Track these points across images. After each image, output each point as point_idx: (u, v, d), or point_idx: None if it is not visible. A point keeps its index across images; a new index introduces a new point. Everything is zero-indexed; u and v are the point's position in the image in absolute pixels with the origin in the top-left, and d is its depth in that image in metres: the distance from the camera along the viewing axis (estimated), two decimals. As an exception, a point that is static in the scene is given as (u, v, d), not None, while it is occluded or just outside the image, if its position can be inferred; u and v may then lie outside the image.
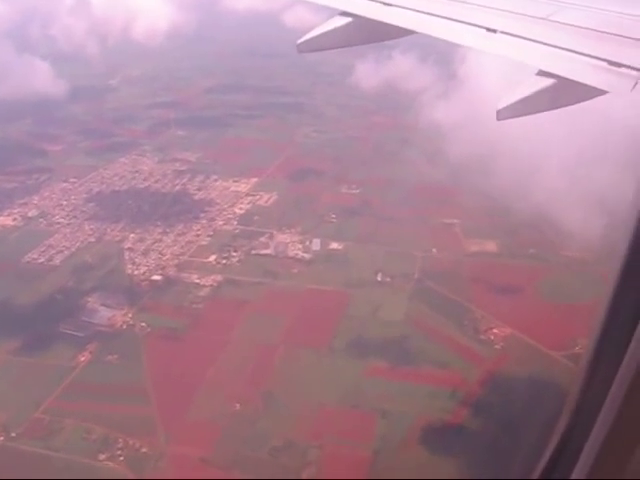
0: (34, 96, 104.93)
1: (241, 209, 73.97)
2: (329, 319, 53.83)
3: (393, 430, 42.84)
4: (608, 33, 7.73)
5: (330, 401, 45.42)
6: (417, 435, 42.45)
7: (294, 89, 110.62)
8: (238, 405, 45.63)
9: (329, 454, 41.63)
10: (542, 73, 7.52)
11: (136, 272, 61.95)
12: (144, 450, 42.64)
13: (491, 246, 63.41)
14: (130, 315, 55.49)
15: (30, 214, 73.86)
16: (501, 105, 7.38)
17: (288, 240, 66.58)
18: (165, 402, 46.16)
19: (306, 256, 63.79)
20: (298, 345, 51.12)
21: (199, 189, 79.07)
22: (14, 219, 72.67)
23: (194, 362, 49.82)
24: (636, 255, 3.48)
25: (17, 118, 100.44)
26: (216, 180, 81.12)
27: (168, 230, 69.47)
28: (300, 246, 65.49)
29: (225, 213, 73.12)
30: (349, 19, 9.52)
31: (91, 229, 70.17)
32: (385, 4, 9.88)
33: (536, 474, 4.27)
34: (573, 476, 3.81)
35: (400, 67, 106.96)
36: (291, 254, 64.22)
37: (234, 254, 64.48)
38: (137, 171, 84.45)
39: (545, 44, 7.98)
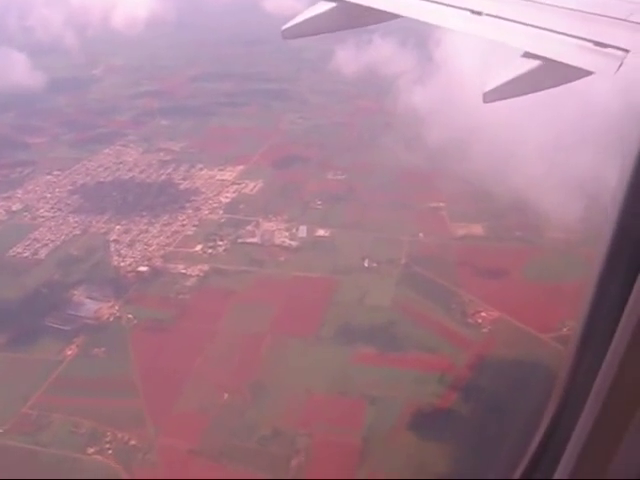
0: (15, 89, 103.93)
1: (227, 198, 73.57)
2: (316, 307, 53.65)
3: (382, 416, 42.72)
4: (593, 14, 7.73)
5: (318, 389, 45.28)
6: (406, 421, 42.35)
7: (278, 76, 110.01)
8: (226, 395, 45.45)
9: (318, 442, 41.52)
10: (528, 55, 7.46)
11: (122, 264, 61.58)
12: (133, 443, 42.43)
13: (477, 229, 63.30)
14: (117, 307, 55.17)
15: (14, 208, 73.34)
16: (487, 88, 7.33)
17: (274, 228, 66.27)
18: (153, 394, 45.94)
19: (293, 243, 63.53)
20: (285, 334, 50.93)
21: (184, 179, 78.60)
22: (-2, 213, 72.14)
23: (182, 353, 49.61)
24: (622, 236, 3.47)
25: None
26: (201, 169, 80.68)
27: (154, 221, 69.05)
28: (286, 234, 65.21)
29: (211, 202, 72.72)
30: (333, 4, 9.44)
31: (76, 222, 69.68)
32: None
33: (517, 474, 4.25)
34: (556, 476, 3.79)
35: (384, 51, 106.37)
36: (277, 242, 63.93)
37: (220, 243, 64.18)
38: (121, 162, 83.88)
39: (531, 26, 7.94)
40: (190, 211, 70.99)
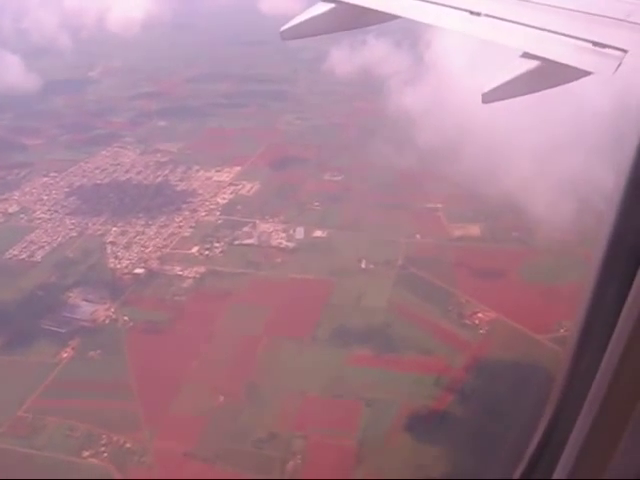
0: (12, 91, 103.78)
1: (224, 199, 73.45)
2: (312, 308, 53.52)
3: (378, 419, 42.65)
4: (592, 14, 7.69)
5: (314, 391, 45.20)
6: (402, 423, 42.27)
7: (276, 77, 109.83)
8: (222, 397, 45.35)
9: (314, 444, 41.43)
10: (527, 55, 7.42)
11: (118, 266, 61.49)
12: (128, 446, 42.33)
13: (474, 230, 63.21)
14: (112, 309, 55.06)
15: (10, 210, 73.24)
16: (486, 88, 7.29)
17: (271, 229, 66.17)
18: (149, 397, 45.79)
19: (289, 245, 63.43)
20: (281, 335, 50.84)
21: (181, 180, 78.51)
22: (-6, 216, 72.07)
23: (177, 355, 49.49)
24: (620, 238, 3.44)
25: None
26: (198, 170, 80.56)
27: (150, 222, 68.94)
28: (283, 235, 65.10)
29: (207, 203, 72.60)
30: (331, 5, 9.32)
31: (72, 223, 69.56)
32: None
33: (517, 474, 4.24)
34: (555, 476, 3.79)
35: (381, 52, 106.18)
36: (274, 243, 63.84)
37: (217, 245, 64.07)
38: (118, 163, 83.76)
39: (529, 26, 7.91)
40: (187, 212, 70.86)
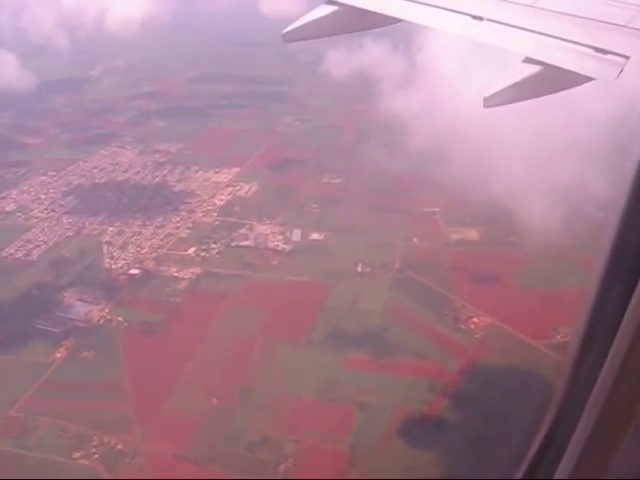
0: (12, 89, 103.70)
1: (221, 200, 73.26)
2: (308, 311, 53.31)
3: (371, 423, 42.42)
4: (594, 20, 7.77)
5: (308, 394, 44.99)
6: (396, 428, 42.07)
7: (276, 78, 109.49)
8: (215, 400, 45.18)
9: (306, 448, 41.22)
10: (528, 60, 7.48)
11: (114, 266, 61.30)
12: (119, 447, 42.14)
13: (472, 234, 63.00)
14: (107, 310, 54.88)
15: (8, 208, 73.09)
16: (487, 93, 7.33)
17: (268, 231, 65.97)
18: (142, 398, 45.60)
19: (286, 247, 63.23)
20: (276, 338, 50.61)
21: (179, 180, 78.30)
22: (-9, 214, 71.97)
23: (171, 357, 49.28)
24: (623, 244, 3.50)
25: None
26: (197, 171, 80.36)
27: (147, 223, 68.74)
28: (280, 237, 64.91)
29: (205, 204, 72.42)
30: (334, 7, 9.43)
31: (69, 223, 69.40)
32: None
33: (519, 474, 4.27)
34: (556, 476, 3.82)
35: (382, 55, 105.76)
36: (271, 245, 63.64)
37: (213, 246, 63.87)
38: (117, 163, 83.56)
39: (531, 31, 7.98)
40: (184, 213, 70.67)
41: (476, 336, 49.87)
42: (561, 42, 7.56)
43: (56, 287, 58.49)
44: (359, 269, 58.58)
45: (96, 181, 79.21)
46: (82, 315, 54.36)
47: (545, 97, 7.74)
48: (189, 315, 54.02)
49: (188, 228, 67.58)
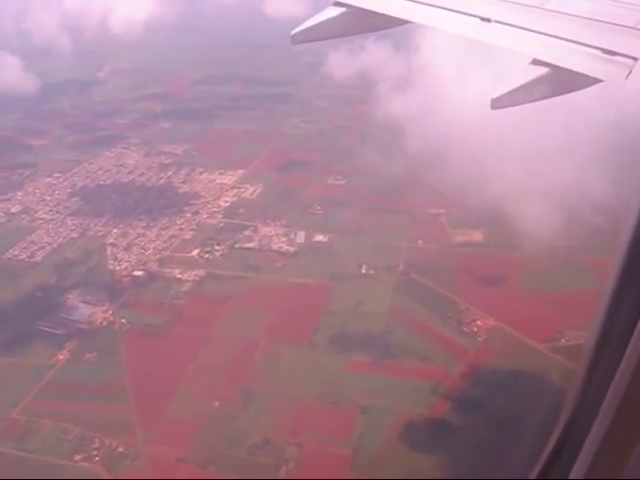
0: (19, 91, 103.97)
1: (226, 202, 73.15)
2: (311, 313, 53.11)
3: (373, 427, 42.21)
4: (602, 21, 7.74)
5: (310, 398, 44.79)
6: (398, 431, 41.84)
7: (281, 79, 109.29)
8: (217, 402, 45.05)
9: (308, 452, 41.05)
10: (536, 62, 7.43)
11: (118, 268, 61.26)
12: (120, 450, 42.07)
13: (477, 236, 62.68)
14: (110, 312, 54.81)
15: (13, 210, 73.17)
16: (495, 94, 7.28)
17: (272, 233, 65.81)
18: (144, 401, 45.53)
19: (290, 249, 63.05)
20: (279, 341, 50.42)
21: (184, 182, 78.27)
22: (-3, 215, 72.12)
23: (174, 359, 49.19)
24: (638, 246, 3.51)
25: (3, 113, 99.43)
26: (202, 173, 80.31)
27: (151, 224, 68.70)
28: (284, 239, 64.74)
29: (210, 206, 72.33)
30: (342, 9, 9.43)
31: (74, 224, 69.41)
32: None
33: (534, 474, 4.27)
34: (571, 476, 3.82)
35: (388, 56, 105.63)
36: (275, 247, 63.46)
37: (217, 248, 63.74)
38: (122, 165, 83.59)
39: (539, 33, 7.95)
40: (188, 215, 70.59)
41: (479, 339, 49.59)
42: (569, 44, 7.56)
43: (60, 289, 58.49)
44: (363, 271, 58.36)
45: (101, 183, 79.27)
46: (85, 317, 54.34)
47: (553, 99, 7.68)
48: (192, 317, 53.89)
49: (192, 230, 67.48)
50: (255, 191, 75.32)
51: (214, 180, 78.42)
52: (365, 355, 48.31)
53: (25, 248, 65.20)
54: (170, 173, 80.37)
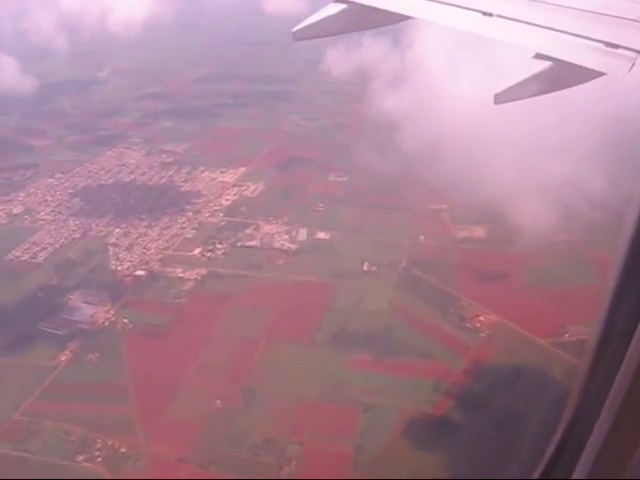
0: (19, 91, 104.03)
1: (227, 200, 73.04)
2: (313, 311, 53.00)
3: (375, 424, 42.06)
4: (605, 14, 7.78)
5: (311, 396, 44.65)
6: (400, 429, 41.70)
7: (282, 77, 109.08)
8: (219, 402, 44.95)
9: (309, 450, 40.93)
10: (539, 56, 7.50)
11: (120, 268, 61.20)
12: (123, 450, 42.02)
13: (479, 232, 62.41)
14: (112, 312, 54.75)
15: (15, 211, 73.21)
16: (498, 89, 7.34)
17: (274, 231, 65.68)
18: (145, 401, 45.49)
19: (292, 247, 62.91)
20: (281, 339, 50.31)
21: (185, 181, 78.18)
22: (-2, 217, 72.18)
23: (176, 359, 49.14)
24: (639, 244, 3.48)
25: (3, 113, 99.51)
26: (203, 171, 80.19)
27: (153, 224, 68.64)
28: (286, 237, 64.59)
29: (211, 205, 72.23)
30: (344, 6, 9.50)
31: (76, 225, 69.39)
32: None
33: (536, 474, 4.26)
34: (574, 476, 3.82)
35: (390, 52, 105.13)
36: (277, 245, 63.33)
37: (219, 246, 63.64)
38: (123, 164, 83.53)
39: (542, 27, 8.00)
40: (190, 214, 70.51)
41: (482, 335, 49.40)
42: (571, 37, 7.61)
43: (61, 289, 58.50)
44: (365, 268, 58.18)
45: (103, 182, 79.23)
46: (87, 317, 54.29)
47: (555, 93, 7.74)
48: (194, 316, 53.82)
49: (194, 229, 67.41)
50: (256, 189, 75.20)
51: (215, 178, 78.32)
52: (367, 353, 48.13)
53: (27, 249, 65.22)
54: (171, 172, 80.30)
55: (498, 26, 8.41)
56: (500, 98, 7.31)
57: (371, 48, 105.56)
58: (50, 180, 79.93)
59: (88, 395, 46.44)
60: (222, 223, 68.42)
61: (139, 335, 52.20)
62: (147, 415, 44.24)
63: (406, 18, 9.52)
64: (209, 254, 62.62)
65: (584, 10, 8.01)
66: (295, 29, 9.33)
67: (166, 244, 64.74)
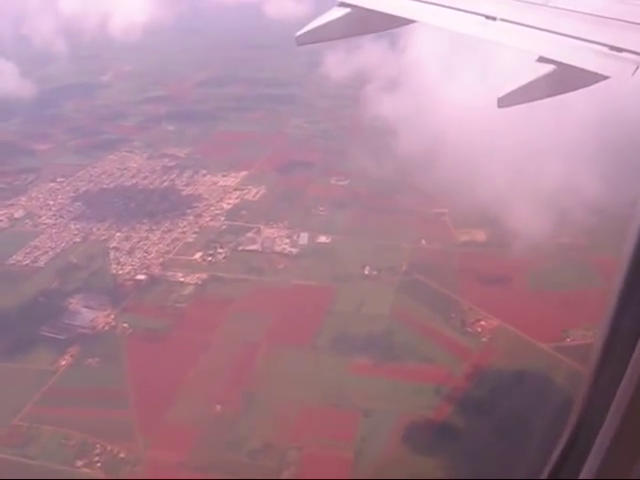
0: (22, 96, 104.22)
1: (229, 204, 73.01)
2: (314, 315, 52.84)
3: (375, 429, 41.88)
4: (608, 18, 7.72)
5: (312, 401, 44.51)
6: (400, 434, 41.49)
7: (284, 80, 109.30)
8: (218, 407, 44.82)
9: (309, 455, 40.77)
10: (542, 59, 7.50)
11: (120, 272, 61.16)
12: (122, 455, 41.89)
13: (480, 235, 62.23)
14: (112, 316, 54.69)
15: (16, 215, 73.29)
16: (501, 93, 7.30)
17: (275, 235, 65.57)
18: (145, 405, 45.37)
19: (293, 251, 62.78)
20: (281, 343, 50.18)
21: (187, 185, 78.18)
22: (0, 221, 71.95)
23: (176, 363, 48.99)
24: None
25: (6, 118, 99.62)
26: (205, 175, 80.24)
27: (154, 228, 68.60)
28: (287, 241, 64.47)
29: (212, 209, 72.19)
30: (347, 10, 9.46)
31: (77, 229, 69.42)
32: None
33: (544, 474, 4.26)
34: (582, 476, 3.80)
35: (392, 55, 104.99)
36: (278, 249, 63.20)
37: (220, 251, 63.56)
38: (125, 168, 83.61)
39: (545, 30, 7.99)
40: (191, 218, 70.45)
41: (483, 339, 49.20)
42: (575, 41, 7.55)
43: (62, 294, 58.43)
44: (366, 272, 58.03)
45: (104, 186, 79.30)
46: (87, 322, 54.25)
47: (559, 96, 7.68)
48: (194, 321, 53.71)
49: (195, 233, 67.35)
50: (258, 193, 75.13)
51: (217, 182, 78.30)
52: (367, 357, 48.00)
53: (28, 253, 65.20)
54: (173, 176, 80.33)
55: (501, 30, 8.41)
56: (503, 102, 7.30)
57: (373, 51, 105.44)
58: (52, 184, 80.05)
59: (87, 400, 46.36)
60: (223, 227, 68.38)
61: (139, 339, 52.09)
62: (146, 420, 44.10)
63: (410, 22, 9.50)
64: (210, 258, 62.55)
65: (588, 13, 7.96)
66: (298, 33, 9.28)
67: (167, 248, 64.68)
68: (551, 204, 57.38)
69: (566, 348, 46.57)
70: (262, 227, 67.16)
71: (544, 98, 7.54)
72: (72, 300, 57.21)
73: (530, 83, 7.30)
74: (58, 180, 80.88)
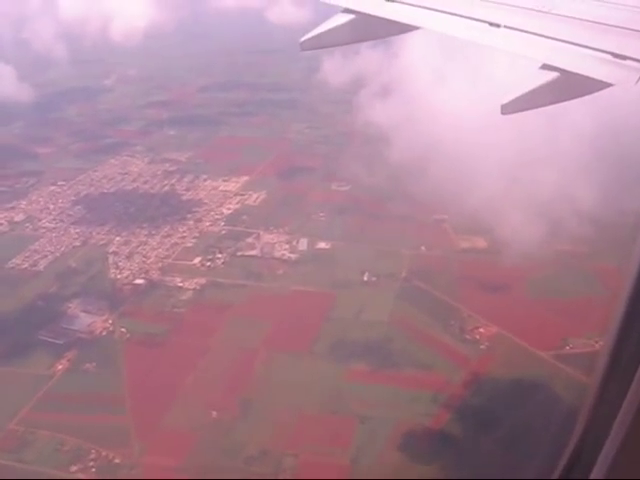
0: (25, 99, 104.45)
1: (229, 209, 72.88)
2: (312, 322, 52.62)
3: (372, 437, 41.61)
4: (612, 25, 7.77)
5: (309, 407, 44.25)
6: (397, 442, 41.22)
7: (287, 85, 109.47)
8: (215, 413, 44.55)
9: (305, 462, 40.50)
10: (546, 67, 7.57)
11: (119, 276, 60.98)
12: (117, 461, 41.65)
13: (481, 242, 61.94)
14: (110, 321, 54.48)
15: (17, 219, 73.23)
16: (505, 100, 7.36)
17: (275, 240, 65.38)
18: (141, 411, 45.14)
19: (292, 256, 62.59)
20: (279, 350, 49.95)
21: (188, 189, 78.12)
22: (0, 224, 71.90)
23: (173, 369, 48.83)
24: None
25: (8, 121, 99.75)
26: (205, 180, 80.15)
27: (154, 232, 68.46)
28: (287, 246, 64.29)
29: (212, 214, 72.06)
30: (352, 16, 9.56)
31: (77, 233, 69.30)
32: (387, 0, 10.03)
33: (556, 474, 4.28)
34: (592, 476, 3.82)
35: (395, 62, 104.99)
36: (277, 255, 63.02)
37: (219, 256, 63.37)
38: (126, 172, 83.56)
39: (549, 37, 8.07)
40: (191, 222, 70.33)
41: (482, 347, 48.92)
42: (579, 48, 7.57)
43: (61, 298, 58.26)
44: (365, 279, 57.82)
45: (105, 191, 79.24)
46: (85, 326, 54.04)
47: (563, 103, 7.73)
48: (192, 326, 53.51)
49: (194, 237, 67.20)
50: (258, 198, 75.01)
51: (218, 187, 78.20)
52: (365, 364, 47.77)
53: (28, 257, 65.10)
54: (174, 180, 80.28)
55: (505, 37, 8.45)
56: (507, 108, 7.35)
57: (376, 58, 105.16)
58: (53, 188, 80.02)
59: (84, 405, 46.15)
60: (223, 232, 68.21)
61: (137, 344, 51.87)
62: (143, 425, 43.87)
63: (413, 28, 9.54)
64: (209, 263, 62.37)
65: (591, 21, 7.95)
66: (303, 39, 9.35)
67: (166, 253, 64.53)
68: (551, 211, 57.13)
69: (566, 356, 46.32)
70: (262, 232, 67.00)
71: (548, 105, 7.58)
72: (70, 304, 57.02)
73: (534, 90, 7.37)
74: (59, 184, 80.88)
